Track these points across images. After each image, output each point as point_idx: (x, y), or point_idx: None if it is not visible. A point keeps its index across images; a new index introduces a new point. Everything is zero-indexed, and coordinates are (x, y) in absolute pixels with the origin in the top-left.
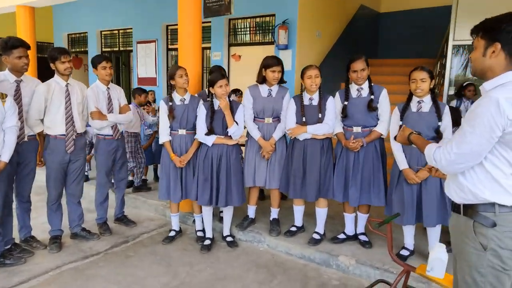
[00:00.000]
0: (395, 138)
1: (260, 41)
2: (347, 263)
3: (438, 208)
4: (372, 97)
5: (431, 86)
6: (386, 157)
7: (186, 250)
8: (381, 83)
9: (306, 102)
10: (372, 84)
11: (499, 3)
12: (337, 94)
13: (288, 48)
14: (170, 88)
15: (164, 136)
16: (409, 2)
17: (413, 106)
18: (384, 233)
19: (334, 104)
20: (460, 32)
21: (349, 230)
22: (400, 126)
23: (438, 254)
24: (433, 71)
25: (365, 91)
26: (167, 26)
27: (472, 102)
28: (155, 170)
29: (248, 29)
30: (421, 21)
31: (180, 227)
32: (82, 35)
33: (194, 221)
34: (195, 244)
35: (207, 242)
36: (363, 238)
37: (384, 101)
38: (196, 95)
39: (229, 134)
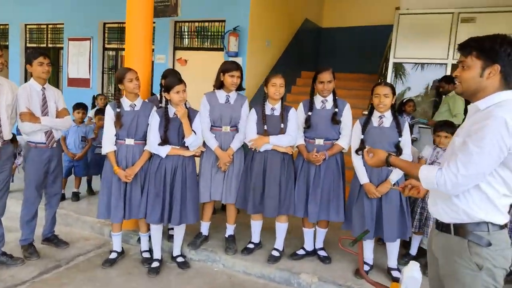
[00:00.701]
0: (356, 152)
1: (209, 46)
2: (309, 281)
3: (398, 223)
4: (336, 110)
5: (392, 102)
6: (344, 171)
7: (131, 274)
8: None
9: (268, 111)
10: (337, 97)
11: (437, 25)
12: (301, 104)
13: (239, 56)
14: (118, 92)
15: (108, 146)
16: (350, 20)
17: (375, 120)
18: (354, 251)
19: (296, 115)
20: (400, 51)
21: (309, 245)
22: (362, 141)
23: (412, 272)
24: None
25: (329, 103)
26: (104, 23)
27: (412, 118)
28: (89, 182)
29: (195, 33)
30: (361, 38)
31: (122, 248)
32: (1, 27)
33: (139, 240)
34: (141, 267)
35: (155, 264)
36: (322, 253)
37: (347, 115)
38: (146, 100)
39: (186, 145)
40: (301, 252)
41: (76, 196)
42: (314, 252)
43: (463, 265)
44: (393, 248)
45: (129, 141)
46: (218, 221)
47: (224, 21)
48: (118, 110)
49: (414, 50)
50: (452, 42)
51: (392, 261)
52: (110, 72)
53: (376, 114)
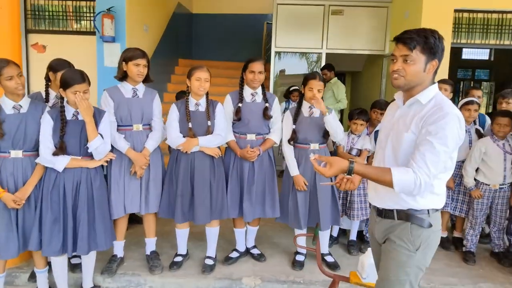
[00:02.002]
0: (288, 141)
1: (75, 29)
2: (252, 284)
3: (332, 211)
4: (267, 105)
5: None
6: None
7: None
8: None
9: (191, 107)
10: (265, 91)
11: (311, 17)
12: (228, 96)
13: (116, 41)
14: None
15: None
16: (221, 7)
17: (305, 111)
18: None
19: (223, 111)
20: (280, 40)
21: (241, 246)
22: (294, 131)
23: (370, 259)
24: None
25: (259, 97)
26: None
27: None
28: None
29: (55, 13)
30: (234, 26)
31: None
32: None
33: (30, 277)
34: None
35: None
36: (255, 251)
37: (277, 108)
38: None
39: (89, 151)
40: (234, 254)
41: None
42: (246, 252)
43: (400, 245)
44: (325, 235)
45: (16, 154)
46: (129, 236)
47: (93, 0)
48: None
49: (293, 39)
50: (325, 33)
51: (325, 247)
52: None
53: (306, 104)
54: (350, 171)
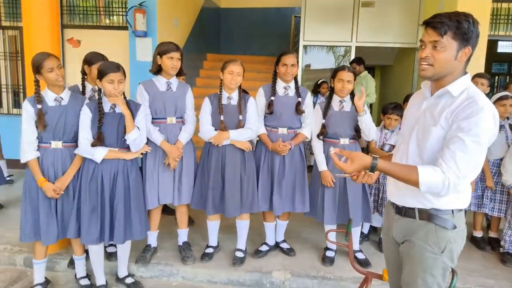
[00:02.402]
0: (318, 136)
1: (109, 24)
2: (282, 278)
3: (363, 207)
4: (300, 99)
5: (352, 87)
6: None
7: None
8: None
9: (224, 101)
10: (298, 85)
11: (341, 8)
12: (261, 89)
13: (148, 36)
14: (36, 84)
15: (28, 153)
16: (249, 1)
17: (335, 105)
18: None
19: (255, 105)
20: (308, 34)
21: (270, 240)
22: (323, 125)
23: None
24: None
25: (292, 90)
26: None
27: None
28: None
29: (90, 8)
30: (261, 20)
31: (46, 278)
32: None
33: (69, 264)
34: None
35: None
36: (285, 246)
37: (309, 103)
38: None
39: (127, 143)
40: (264, 248)
41: None
42: (276, 246)
43: (426, 249)
44: (356, 232)
45: (56, 144)
46: (161, 227)
47: None
48: (39, 106)
49: (321, 33)
50: (355, 26)
51: (355, 244)
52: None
53: (336, 98)
54: (373, 168)
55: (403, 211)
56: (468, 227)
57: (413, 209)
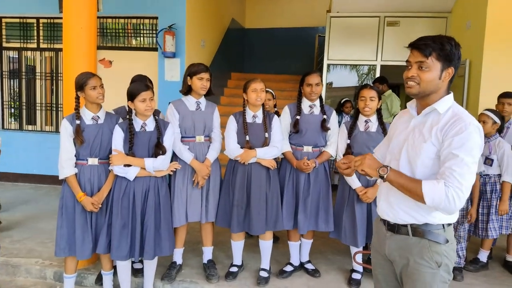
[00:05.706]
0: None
1: (139, 46)
2: None
3: None
4: (325, 117)
5: (378, 106)
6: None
7: None
8: None
9: (249, 119)
10: (324, 103)
11: (366, 28)
12: (286, 108)
13: (176, 56)
14: (77, 101)
15: (67, 169)
16: (273, 21)
17: (361, 125)
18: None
19: (279, 123)
20: (333, 53)
21: (295, 259)
22: (348, 146)
23: None
24: None
25: (317, 109)
26: (1, 18)
27: (351, 117)
28: None
29: (121, 30)
30: (285, 39)
31: None
32: None
33: (97, 280)
34: None
35: None
36: (310, 266)
37: (334, 121)
38: (112, 111)
39: (147, 170)
40: (288, 268)
41: None
42: (301, 266)
43: (423, 265)
44: None
45: (93, 161)
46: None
47: (156, 17)
48: (78, 122)
49: (346, 52)
50: (380, 45)
51: None
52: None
53: (361, 118)
54: (382, 176)
55: (396, 228)
56: (501, 251)
57: (406, 226)
